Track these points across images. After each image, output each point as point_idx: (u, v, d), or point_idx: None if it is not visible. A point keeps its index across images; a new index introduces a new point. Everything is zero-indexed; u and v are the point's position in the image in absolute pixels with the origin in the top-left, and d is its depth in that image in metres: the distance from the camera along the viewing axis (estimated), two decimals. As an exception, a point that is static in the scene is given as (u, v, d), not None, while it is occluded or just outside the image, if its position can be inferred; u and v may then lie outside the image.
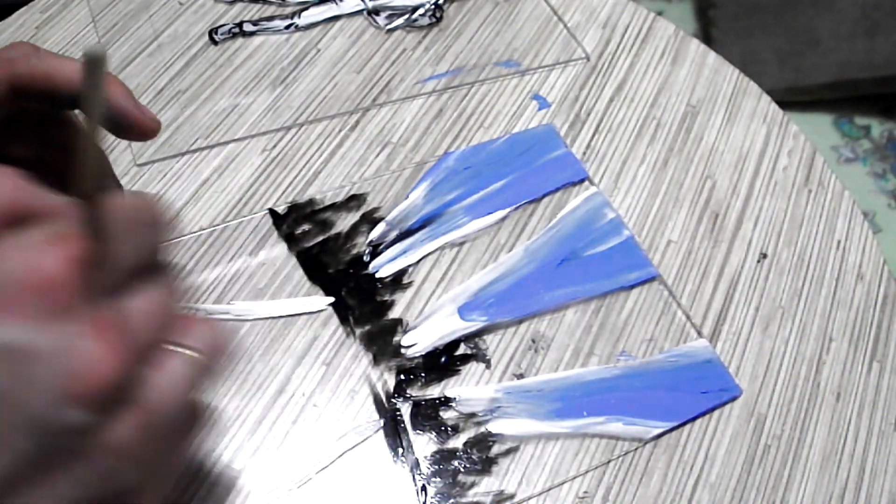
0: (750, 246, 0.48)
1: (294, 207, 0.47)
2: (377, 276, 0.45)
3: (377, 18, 0.56)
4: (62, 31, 0.53)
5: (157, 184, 0.48)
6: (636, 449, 0.41)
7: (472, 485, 0.39)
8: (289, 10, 0.56)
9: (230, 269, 0.45)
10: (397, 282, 0.45)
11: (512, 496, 0.39)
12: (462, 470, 0.39)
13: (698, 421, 0.42)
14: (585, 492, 0.40)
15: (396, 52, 0.55)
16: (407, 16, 0.56)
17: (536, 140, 0.51)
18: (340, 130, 0.51)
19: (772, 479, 0.41)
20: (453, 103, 0.53)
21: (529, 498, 0.39)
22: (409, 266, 0.46)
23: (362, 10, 0.57)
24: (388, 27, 0.56)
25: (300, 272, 0.45)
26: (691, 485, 0.40)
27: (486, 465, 0.40)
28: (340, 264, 0.45)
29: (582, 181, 0.50)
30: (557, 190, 0.49)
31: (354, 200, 0.48)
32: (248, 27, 0.55)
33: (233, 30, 0.55)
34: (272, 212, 0.47)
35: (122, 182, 0.47)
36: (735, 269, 0.47)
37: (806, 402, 0.43)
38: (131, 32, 0.54)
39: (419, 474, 0.39)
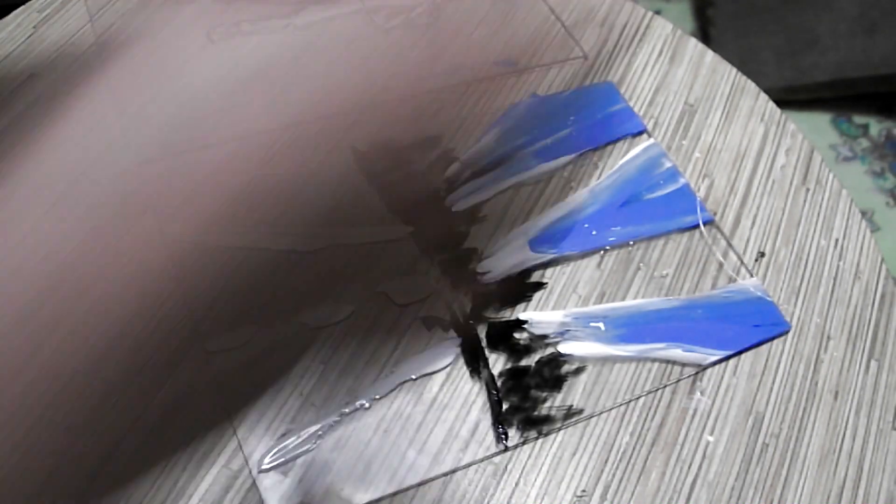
0: (747, 245, 0.49)
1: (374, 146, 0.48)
2: (453, 209, 0.47)
3: (376, 18, 0.56)
4: (60, 31, 0.53)
5: (156, 183, 0.48)
6: (634, 448, 0.41)
7: (544, 400, 0.41)
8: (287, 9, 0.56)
9: None
10: (472, 215, 0.47)
11: (581, 411, 0.41)
12: (533, 386, 0.42)
13: (696, 418, 0.42)
14: (584, 490, 0.40)
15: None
16: (406, 15, 0.56)
17: (598, 94, 0.54)
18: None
19: (770, 477, 0.41)
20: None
21: (601, 413, 0.42)
22: (482, 202, 0.48)
23: (361, 10, 0.57)
24: (388, 27, 0.56)
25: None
26: (689, 483, 0.40)
27: (556, 383, 0.42)
28: (419, 198, 0.47)
29: (640, 133, 0.52)
30: (618, 140, 0.52)
31: (431, 140, 0.49)
32: (246, 27, 0.55)
33: (232, 30, 0.54)
34: (354, 150, 0.47)
35: (124, 181, 0.47)
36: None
37: (804, 400, 0.44)
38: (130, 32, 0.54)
39: (494, 389, 0.41)
